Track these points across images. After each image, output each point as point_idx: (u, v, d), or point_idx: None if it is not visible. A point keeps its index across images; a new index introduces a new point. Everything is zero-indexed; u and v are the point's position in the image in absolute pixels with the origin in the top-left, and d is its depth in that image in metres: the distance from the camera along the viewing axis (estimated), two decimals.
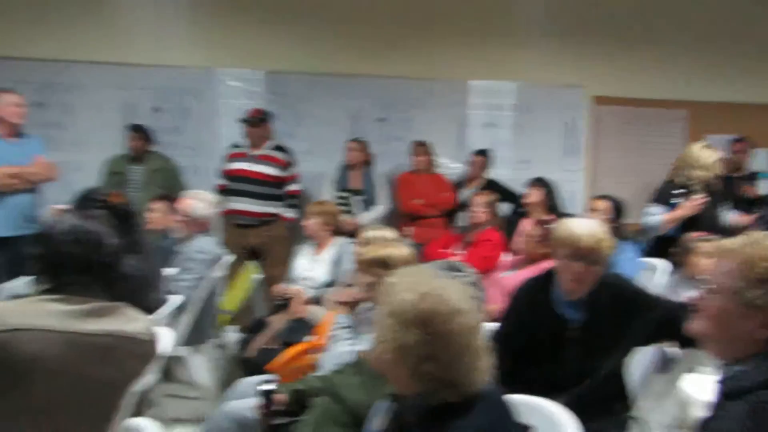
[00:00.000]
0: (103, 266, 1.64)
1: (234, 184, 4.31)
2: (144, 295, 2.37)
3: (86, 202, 2.32)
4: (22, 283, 2.72)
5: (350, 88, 5.06)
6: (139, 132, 4.47)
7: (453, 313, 1.29)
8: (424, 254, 3.76)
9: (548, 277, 2.27)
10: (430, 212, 4.68)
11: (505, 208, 4.60)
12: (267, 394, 2.05)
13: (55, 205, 2.52)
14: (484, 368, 1.33)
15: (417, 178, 4.78)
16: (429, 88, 5.19)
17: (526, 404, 1.61)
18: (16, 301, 1.58)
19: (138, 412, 1.76)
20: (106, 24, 4.77)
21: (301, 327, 3.02)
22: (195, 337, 3.17)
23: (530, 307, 2.27)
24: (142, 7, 4.80)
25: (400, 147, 4.97)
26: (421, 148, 4.81)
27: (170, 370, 3.54)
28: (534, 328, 2.21)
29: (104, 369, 1.51)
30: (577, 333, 2.15)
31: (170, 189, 4.15)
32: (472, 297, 1.37)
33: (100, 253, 1.63)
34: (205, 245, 3.23)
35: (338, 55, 4.99)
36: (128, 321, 1.64)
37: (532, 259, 3.22)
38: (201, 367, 3.17)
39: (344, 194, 4.56)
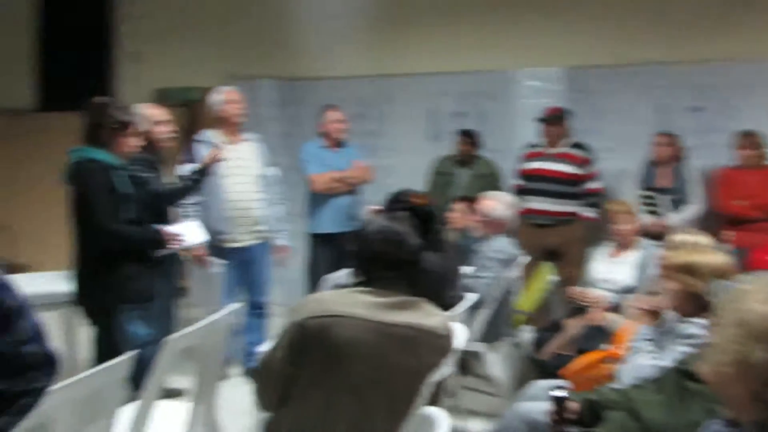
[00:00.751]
0: (406, 263, 1.79)
1: (531, 183, 4.32)
2: (442, 291, 2.54)
3: (394, 203, 2.56)
4: (343, 274, 3.11)
5: (657, 77, 4.64)
6: (468, 137, 4.64)
7: None
8: (746, 263, 3.28)
9: None
10: (756, 215, 4.04)
11: None
12: (559, 400, 2.01)
13: (370, 206, 2.84)
14: None
15: (741, 174, 4.15)
16: (757, 69, 4.48)
17: None
18: (337, 291, 1.82)
19: (434, 402, 1.88)
20: (412, 39, 5.16)
21: (598, 334, 2.89)
22: (490, 334, 3.25)
23: None
24: (443, 21, 5.08)
25: (719, 139, 4.38)
26: (748, 139, 4.16)
27: (468, 364, 3.71)
28: None
29: (405, 357, 1.66)
30: None
31: None
32: None
33: (403, 252, 1.78)
34: (502, 245, 3.29)
35: (642, 43, 4.61)
36: (427, 315, 1.76)
37: None
38: (496, 363, 3.25)
39: (649, 193, 4.21)
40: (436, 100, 5.17)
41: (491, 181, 4.51)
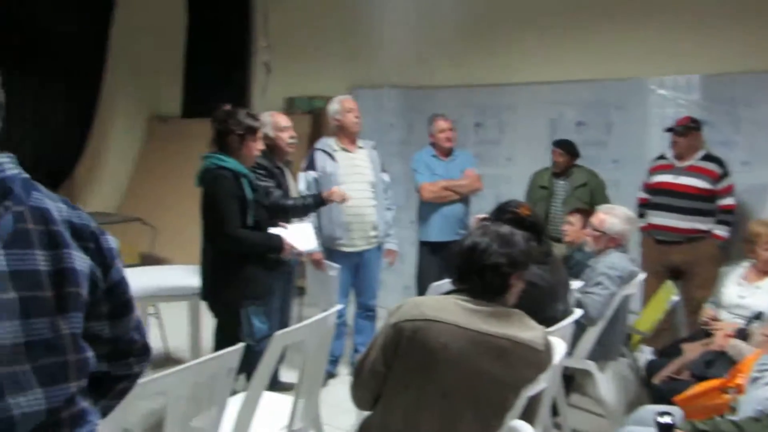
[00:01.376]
0: (504, 276, 1.77)
1: (656, 197, 4.09)
2: (545, 305, 2.49)
3: (499, 213, 2.55)
4: (447, 282, 3.12)
5: None
6: (563, 147, 4.48)
7: None
8: None
9: None
10: None
11: None
12: (664, 427, 1.90)
13: (477, 215, 2.83)
14: None
15: None
16: None
17: None
18: (435, 296, 1.85)
19: (529, 416, 1.86)
20: (536, 47, 5.08)
21: (719, 361, 2.69)
22: (602, 353, 3.13)
23: None
24: (567, 28, 4.95)
25: None
26: None
27: (578, 381, 3.58)
28: None
29: (496, 368, 1.65)
30: None
31: (594, 203, 4.11)
32: None
33: (506, 262, 1.76)
34: (617, 261, 3.14)
35: None
36: (524, 329, 1.74)
37: None
38: (607, 383, 3.11)
39: None
40: (559, 109, 5.03)
41: (592, 192, 4.31)
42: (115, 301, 1.11)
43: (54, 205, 1.01)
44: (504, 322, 1.72)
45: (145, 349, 1.20)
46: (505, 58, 5.19)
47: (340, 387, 3.73)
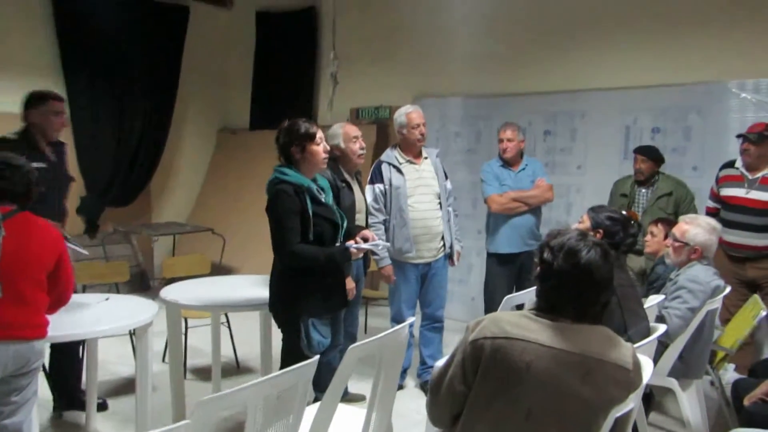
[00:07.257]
0: (593, 293, 1.66)
1: (728, 214, 3.78)
2: (624, 321, 2.38)
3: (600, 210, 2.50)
4: (526, 294, 3.03)
5: None
6: (645, 153, 4.22)
7: None
8: None
9: None
10: None
11: None
12: None
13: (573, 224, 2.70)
14: None
15: None
16: None
17: None
18: (516, 312, 1.76)
19: None
20: (609, 52, 4.92)
21: None
22: (685, 370, 2.97)
23: None
24: (642, 32, 4.78)
25: None
26: None
27: (657, 400, 3.42)
28: None
29: (583, 388, 1.57)
30: None
31: (679, 216, 3.90)
32: None
33: (592, 283, 1.65)
34: (700, 274, 2.98)
35: None
36: (612, 347, 1.65)
37: None
38: (690, 403, 2.95)
39: None
40: (634, 116, 4.85)
41: (677, 202, 4.08)
42: None
43: None
44: (589, 340, 1.63)
45: None
46: (576, 63, 5.07)
47: (409, 398, 3.69)
